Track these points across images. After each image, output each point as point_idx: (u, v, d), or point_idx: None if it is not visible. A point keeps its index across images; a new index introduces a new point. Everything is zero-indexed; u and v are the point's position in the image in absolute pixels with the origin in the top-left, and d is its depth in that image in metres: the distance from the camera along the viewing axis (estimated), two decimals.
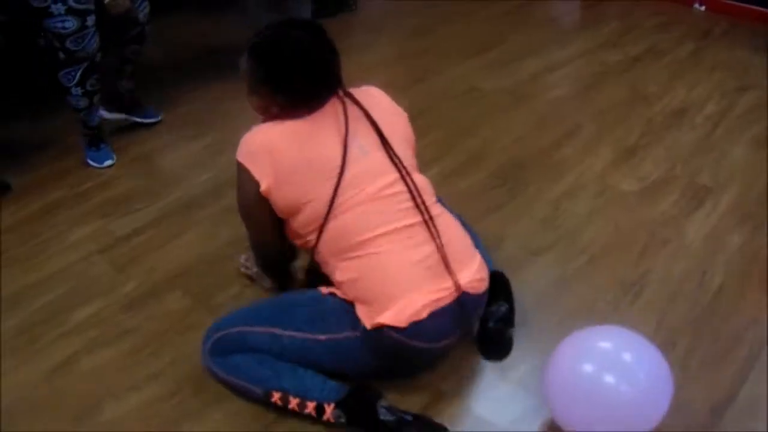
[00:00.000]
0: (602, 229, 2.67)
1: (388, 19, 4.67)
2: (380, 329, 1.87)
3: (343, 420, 1.91)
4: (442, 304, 1.91)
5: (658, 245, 2.59)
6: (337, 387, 1.94)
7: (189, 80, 3.68)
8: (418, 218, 1.97)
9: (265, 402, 2.00)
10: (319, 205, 1.96)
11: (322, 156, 1.95)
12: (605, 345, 1.85)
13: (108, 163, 3.21)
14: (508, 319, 2.22)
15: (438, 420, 1.94)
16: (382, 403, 1.91)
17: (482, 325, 2.20)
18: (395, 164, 1.99)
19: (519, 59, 3.99)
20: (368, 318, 1.90)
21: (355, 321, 1.93)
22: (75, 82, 2.98)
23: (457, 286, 1.93)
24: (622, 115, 3.40)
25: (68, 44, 2.85)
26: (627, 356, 1.81)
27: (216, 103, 3.61)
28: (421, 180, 2.06)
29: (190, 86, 3.65)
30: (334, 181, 1.93)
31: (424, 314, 1.87)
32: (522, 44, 4.19)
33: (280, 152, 1.94)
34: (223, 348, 2.04)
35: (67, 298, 2.50)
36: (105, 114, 3.40)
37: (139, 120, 3.48)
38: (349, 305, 1.95)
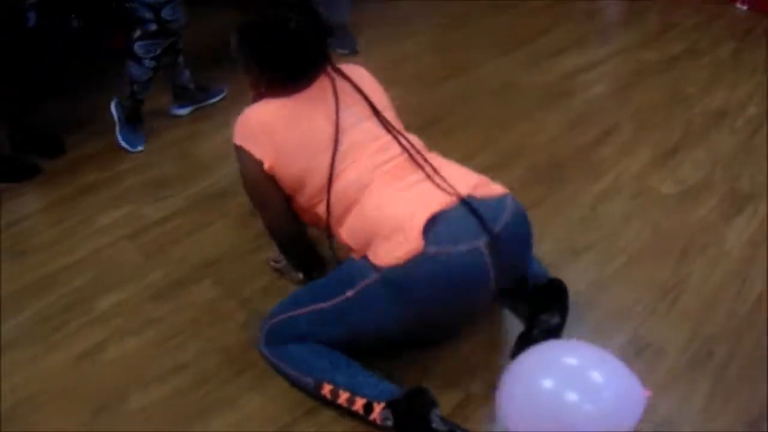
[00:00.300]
0: (640, 231, 2.61)
1: (424, 9, 4.60)
2: (396, 263, 1.84)
3: (389, 423, 1.86)
4: (446, 208, 1.88)
5: (697, 250, 2.52)
6: (391, 388, 1.90)
7: (222, 69, 3.63)
8: (412, 164, 2.01)
9: (314, 394, 1.99)
10: (319, 176, 2.02)
11: (315, 129, 2.01)
12: (568, 360, 1.76)
13: (139, 148, 3.20)
14: (555, 333, 2.09)
15: (468, 424, 1.90)
16: (437, 411, 1.85)
17: (526, 330, 2.11)
18: (387, 129, 2.07)
19: (558, 55, 3.91)
20: (379, 257, 1.88)
21: (375, 267, 1.90)
22: (154, 54, 3.00)
23: (456, 192, 1.91)
24: (660, 116, 3.32)
25: (163, 14, 2.87)
26: (591, 373, 1.72)
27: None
28: (413, 138, 2.11)
29: (223, 75, 3.60)
30: (331, 152, 1.99)
31: (428, 218, 1.85)
32: (562, 39, 4.11)
33: (275, 130, 2.01)
34: (276, 336, 2.06)
35: (95, 285, 2.49)
36: (180, 111, 3.47)
37: (210, 102, 3.53)
38: (364, 259, 1.93)
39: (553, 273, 2.37)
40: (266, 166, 2.03)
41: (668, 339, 2.18)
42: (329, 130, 2.02)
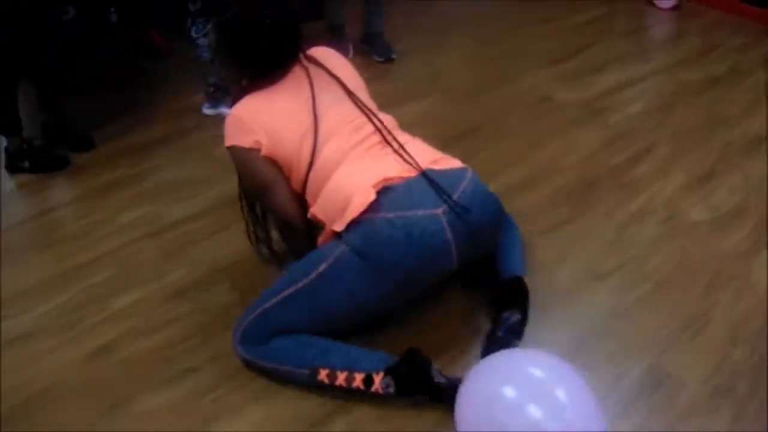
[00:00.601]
0: (668, 258, 2.54)
1: (464, 20, 4.57)
2: (354, 222, 1.94)
3: (391, 390, 1.91)
4: (406, 178, 1.99)
5: (725, 281, 2.44)
6: (385, 356, 1.97)
7: None
8: (381, 142, 2.11)
9: (310, 383, 2.00)
10: (303, 160, 2.09)
11: (295, 116, 2.09)
12: (532, 372, 1.76)
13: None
14: (516, 330, 2.16)
15: None
16: (435, 367, 1.93)
17: (491, 332, 2.17)
18: (361, 109, 2.15)
19: (597, 71, 3.85)
20: (339, 224, 1.98)
21: (340, 239, 1.99)
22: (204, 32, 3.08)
23: (417, 165, 2.02)
24: (698, 138, 3.24)
25: None
26: (556, 390, 1.71)
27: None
28: (385, 117, 2.20)
29: None
30: (312, 137, 2.08)
31: (385, 181, 1.96)
32: (602, 55, 4.04)
33: (260, 116, 2.09)
34: (253, 335, 2.07)
35: (113, 282, 2.50)
36: (210, 111, 3.50)
37: None
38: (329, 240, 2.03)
39: (576, 296, 2.36)
40: (264, 150, 2.09)
41: (689, 371, 2.11)
42: (307, 116, 2.10)
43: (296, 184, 2.16)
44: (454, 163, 2.13)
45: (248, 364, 2.11)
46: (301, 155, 2.09)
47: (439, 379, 1.91)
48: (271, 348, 2.04)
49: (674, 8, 4.60)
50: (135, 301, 2.41)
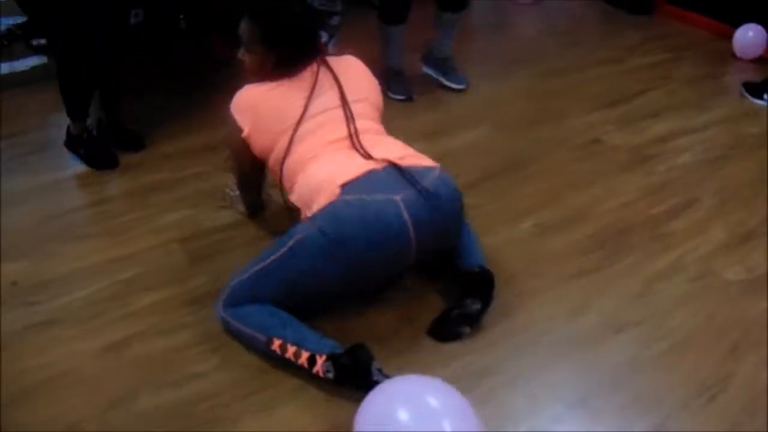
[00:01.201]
0: (693, 317, 2.47)
1: (523, 55, 4.55)
2: (322, 209, 2.16)
3: (330, 375, 2.05)
4: (369, 169, 2.21)
5: (750, 347, 2.36)
6: (333, 344, 2.11)
7: None
8: (352, 146, 2.33)
9: (265, 350, 2.18)
10: (281, 149, 2.37)
11: (288, 110, 2.36)
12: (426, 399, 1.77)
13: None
14: (472, 319, 2.33)
15: None
16: (376, 364, 2.03)
17: (446, 310, 2.34)
18: (348, 118, 2.37)
19: (652, 116, 3.77)
20: (311, 211, 2.20)
21: (308, 221, 2.20)
22: None
23: (384, 159, 2.24)
24: (746, 195, 3.14)
25: None
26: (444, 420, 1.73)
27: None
28: (373, 125, 2.45)
29: None
30: (289, 135, 2.34)
31: (348, 178, 2.18)
32: (660, 101, 3.97)
33: (258, 107, 2.40)
34: (230, 300, 2.28)
35: (139, 281, 2.56)
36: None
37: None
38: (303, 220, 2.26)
39: (592, 346, 2.33)
40: (244, 133, 2.41)
41: None
42: (294, 115, 2.35)
43: (271, 164, 2.45)
44: (424, 161, 2.33)
45: (224, 327, 2.30)
46: (281, 144, 2.36)
47: (377, 377, 1.99)
48: (239, 311, 2.25)
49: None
50: (155, 302, 2.47)
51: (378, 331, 2.36)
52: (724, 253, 2.78)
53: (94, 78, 3.09)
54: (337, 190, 2.16)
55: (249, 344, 2.23)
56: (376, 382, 1.94)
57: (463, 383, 2.15)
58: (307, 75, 2.40)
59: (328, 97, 2.40)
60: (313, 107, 2.37)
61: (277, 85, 2.39)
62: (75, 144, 3.22)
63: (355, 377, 2.02)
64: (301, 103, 2.36)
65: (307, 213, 2.24)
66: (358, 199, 2.14)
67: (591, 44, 4.78)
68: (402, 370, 2.02)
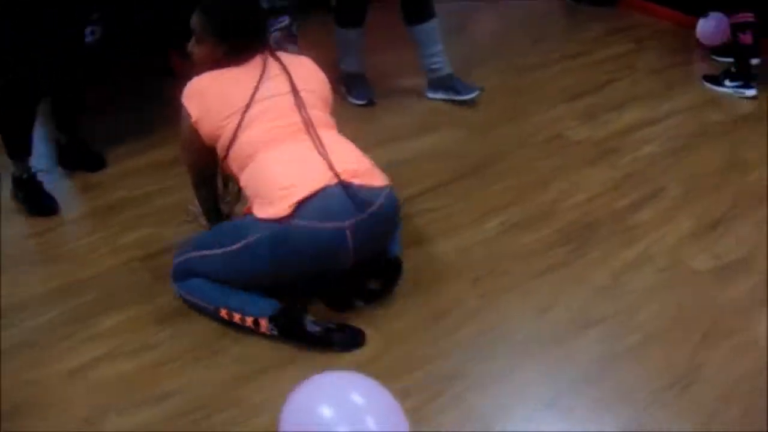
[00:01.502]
0: (663, 308, 2.47)
1: (486, 54, 4.51)
2: (271, 221, 2.22)
3: (275, 333, 2.30)
4: (323, 186, 2.25)
5: (721, 336, 2.36)
6: (270, 304, 2.32)
7: None
8: (306, 139, 2.37)
9: (215, 317, 2.37)
10: (228, 133, 2.39)
11: (235, 96, 2.40)
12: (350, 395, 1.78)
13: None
14: (367, 295, 2.49)
15: None
16: (309, 317, 2.30)
17: (348, 274, 2.43)
18: (298, 105, 2.42)
19: (616, 109, 3.77)
20: (263, 211, 2.25)
21: (259, 226, 2.27)
22: None
23: (336, 174, 2.27)
24: (713, 182, 3.15)
25: None
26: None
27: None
28: (320, 115, 2.47)
29: None
30: (237, 120, 2.37)
31: (304, 195, 2.22)
32: (624, 92, 3.96)
33: (206, 94, 2.43)
34: (180, 273, 2.47)
35: (104, 302, 2.53)
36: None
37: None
38: (251, 216, 2.31)
39: (559, 344, 2.33)
40: (193, 119, 2.42)
41: (672, 428, 2.05)
42: (242, 100, 2.38)
43: (219, 150, 2.45)
44: (375, 179, 2.37)
45: (179, 296, 2.47)
46: (228, 129, 2.38)
47: (311, 327, 2.28)
48: (187, 285, 2.44)
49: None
50: (121, 322, 2.44)
51: None
52: (691, 242, 2.79)
53: (35, 108, 2.97)
54: (289, 210, 2.20)
55: (203, 314, 2.41)
56: (311, 333, 2.27)
57: (431, 388, 2.17)
58: (256, 63, 2.46)
59: (276, 82, 2.44)
60: (261, 92, 2.40)
61: (226, 71, 2.44)
62: (17, 187, 3.06)
63: (293, 332, 2.28)
64: (250, 86, 2.40)
65: (256, 205, 2.31)
66: (309, 227, 2.22)
67: (555, 39, 4.78)
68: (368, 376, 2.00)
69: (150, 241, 2.81)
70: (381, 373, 2.07)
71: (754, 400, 2.14)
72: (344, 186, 2.27)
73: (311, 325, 2.29)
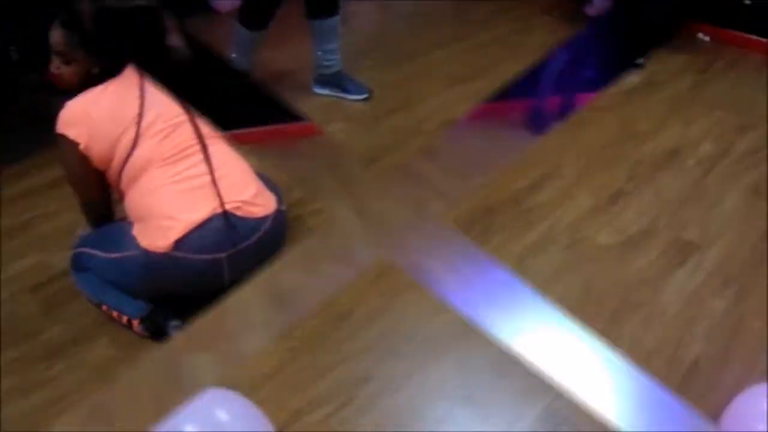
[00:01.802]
0: (570, 288, 2.46)
1: (368, 44, 4.44)
2: (150, 251, 2.23)
3: (147, 333, 2.32)
4: (205, 218, 2.24)
5: (630, 309, 2.37)
6: (141, 306, 2.33)
7: None
8: (197, 153, 2.31)
9: (99, 310, 2.38)
10: (123, 150, 2.27)
11: (123, 110, 2.26)
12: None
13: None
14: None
15: None
16: (174, 322, 2.28)
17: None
18: (185, 111, 2.34)
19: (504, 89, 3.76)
20: (141, 237, 2.25)
21: (138, 244, 2.26)
22: None
23: (222, 205, 2.27)
24: (608, 156, 3.17)
25: None
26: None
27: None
28: (205, 125, 2.39)
29: None
30: (133, 132, 2.26)
31: (183, 233, 2.21)
32: (514, 72, 3.95)
33: (90, 114, 2.25)
34: (75, 263, 2.42)
35: None
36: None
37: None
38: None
39: (468, 338, 2.27)
40: (82, 146, 2.27)
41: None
42: (132, 111, 2.27)
43: (113, 173, 2.34)
44: (261, 207, 2.37)
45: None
46: (118, 153, 2.28)
47: (172, 332, 2.28)
48: (81, 276, 2.41)
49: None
50: (11, 360, 2.28)
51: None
52: (593, 217, 2.80)
53: None
54: (167, 247, 2.22)
55: (92, 304, 2.41)
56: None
57: (342, 394, 2.10)
58: (129, 75, 2.32)
59: (157, 93, 2.32)
60: (149, 101, 2.29)
61: (104, 87, 2.29)
62: None
63: (160, 334, 2.29)
64: (135, 96, 2.28)
65: (137, 228, 2.30)
66: (184, 258, 2.23)
67: (440, 23, 4.75)
68: (276, 389, 1.97)
69: (38, 269, 2.63)
70: (287, 384, 2.00)
71: (667, 371, 2.15)
72: (227, 216, 2.27)
73: (173, 329, 2.29)
